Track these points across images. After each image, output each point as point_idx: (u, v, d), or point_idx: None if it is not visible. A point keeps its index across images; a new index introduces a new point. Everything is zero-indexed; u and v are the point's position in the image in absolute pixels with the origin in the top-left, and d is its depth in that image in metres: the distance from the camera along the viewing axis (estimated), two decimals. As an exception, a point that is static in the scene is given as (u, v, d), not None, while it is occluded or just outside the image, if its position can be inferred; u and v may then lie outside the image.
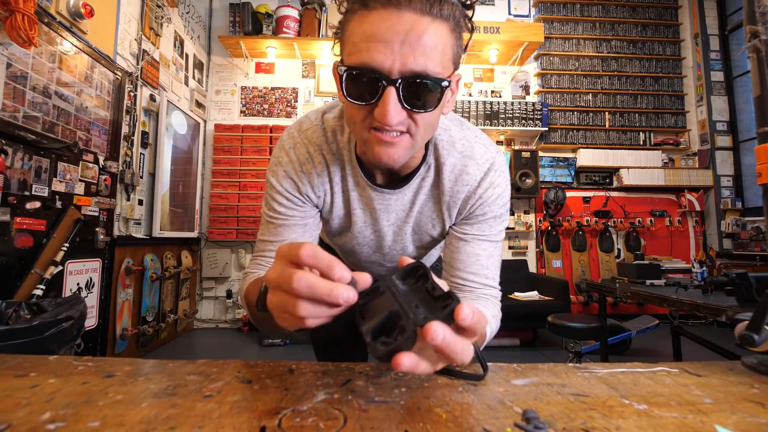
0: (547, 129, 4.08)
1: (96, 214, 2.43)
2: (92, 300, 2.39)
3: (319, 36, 3.93)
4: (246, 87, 4.14)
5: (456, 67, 0.55)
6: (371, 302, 0.38)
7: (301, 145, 0.69)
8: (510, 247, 4.17)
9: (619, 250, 4.19)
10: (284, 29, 3.84)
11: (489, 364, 0.47)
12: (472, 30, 0.55)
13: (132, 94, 2.82)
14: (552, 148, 4.27)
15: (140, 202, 2.95)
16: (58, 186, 2.12)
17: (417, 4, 0.47)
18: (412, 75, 0.48)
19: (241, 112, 4.11)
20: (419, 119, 0.53)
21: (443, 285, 0.38)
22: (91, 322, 2.36)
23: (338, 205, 0.74)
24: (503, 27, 3.89)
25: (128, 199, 2.80)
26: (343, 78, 0.51)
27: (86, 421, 0.32)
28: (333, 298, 0.34)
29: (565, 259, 4.14)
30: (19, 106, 1.92)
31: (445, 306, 0.33)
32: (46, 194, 2.03)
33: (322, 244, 1.00)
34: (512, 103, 4.06)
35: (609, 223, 4.15)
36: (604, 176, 4.23)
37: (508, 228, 3.81)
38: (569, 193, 4.15)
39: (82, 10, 2.21)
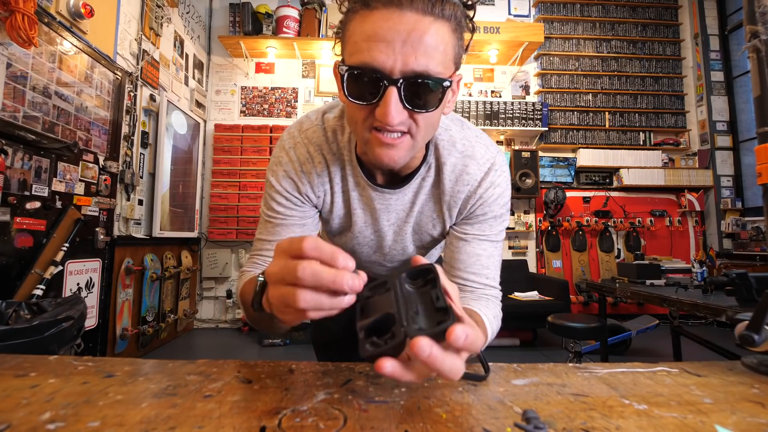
0: (547, 129, 4.08)
1: (96, 214, 2.43)
2: (92, 300, 2.39)
3: (319, 36, 3.93)
4: (246, 87, 4.14)
5: (457, 68, 0.55)
6: (374, 298, 0.38)
7: (302, 144, 0.69)
8: (510, 247, 4.17)
9: (619, 250, 4.19)
10: (284, 29, 3.84)
11: (489, 364, 0.47)
12: (473, 30, 0.55)
13: (132, 94, 2.82)
14: (552, 148, 4.27)
15: (140, 202, 2.96)
16: (58, 186, 2.12)
17: (419, 4, 0.47)
18: (413, 75, 0.48)
19: (241, 112, 4.11)
20: (420, 119, 0.53)
21: (453, 290, 0.38)
22: (91, 322, 2.36)
23: (338, 205, 0.74)
24: (503, 27, 3.89)
25: (128, 199, 2.80)
26: (345, 78, 0.51)
27: (86, 421, 0.32)
28: (338, 284, 0.34)
29: (565, 259, 4.14)
30: (19, 106, 1.92)
31: (441, 322, 0.33)
32: (46, 194, 2.03)
33: None
34: (512, 103, 4.07)
35: (609, 223, 4.16)
36: (604, 176, 4.23)
37: (508, 228, 3.81)
38: (569, 193, 4.15)
39: (82, 10, 2.21)
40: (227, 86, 4.14)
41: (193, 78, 3.82)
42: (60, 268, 2.06)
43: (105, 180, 2.51)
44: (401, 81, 0.48)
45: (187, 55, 3.69)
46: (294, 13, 3.88)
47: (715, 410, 0.37)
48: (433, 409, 0.37)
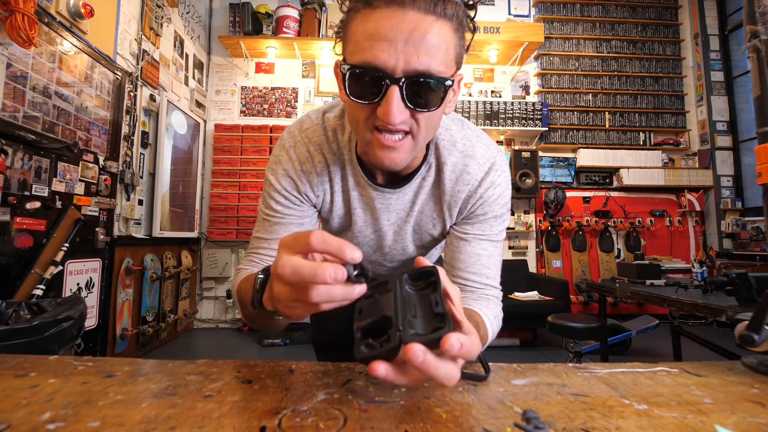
0: (547, 129, 4.08)
1: (96, 214, 2.43)
2: (92, 300, 2.39)
3: (319, 36, 3.93)
4: (246, 87, 4.14)
5: (458, 67, 0.55)
6: (374, 297, 0.38)
7: (302, 144, 0.69)
8: (510, 247, 4.17)
9: (619, 250, 4.19)
10: (284, 29, 3.84)
11: (489, 364, 0.47)
12: (474, 30, 0.55)
13: (132, 94, 2.82)
14: (552, 148, 4.27)
15: (140, 202, 2.95)
16: (58, 186, 2.12)
17: (421, 3, 0.47)
18: (415, 74, 0.48)
19: (241, 112, 4.11)
20: (422, 118, 0.52)
21: (455, 292, 0.38)
22: (91, 322, 2.36)
23: (338, 204, 0.74)
24: (503, 27, 3.89)
25: (128, 199, 2.80)
26: (346, 77, 0.50)
27: (86, 421, 0.32)
28: (341, 253, 0.35)
29: (565, 259, 4.14)
30: (19, 106, 1.92)
31: (437, 328, 0.33)
32: (46, 194, 2.03)
33: None
34: (512, 103, 4.06)
35: (609, 223, 4.15)
36: (604, 176, 4.23)
37: (508, 228, 3.79)
38: (569, 193, 4.15)
39: (82, 10, 2.21)
40: (227, 86, 4.14)
41: (193, 78, 3.82)
42: (60, 268, 2.06)
43: (105, 180, 2.51)
44: (403, 80, 0.48)
45: (187, 55, 3.69)
46: (294, 13, 3.88)
47: (715, 410, 0.37)
48: (433, 409, 0.37)
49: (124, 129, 2.75)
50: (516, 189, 3.91)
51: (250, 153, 3.89)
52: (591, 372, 0.48)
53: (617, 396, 0.40)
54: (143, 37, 2.95)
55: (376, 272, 0.89)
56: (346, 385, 0.42)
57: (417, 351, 0.30)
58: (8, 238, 1.84)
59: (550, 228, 4.13)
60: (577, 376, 0.47)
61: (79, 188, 2.28)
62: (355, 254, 0.35)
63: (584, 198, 4.23)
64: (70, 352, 1.66)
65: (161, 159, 3.12)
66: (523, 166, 3.97)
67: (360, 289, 0.35)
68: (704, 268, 2.36)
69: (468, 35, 0.55)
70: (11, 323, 1.52)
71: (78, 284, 2.27)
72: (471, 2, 0.53)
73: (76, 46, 2.28)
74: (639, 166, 4.15)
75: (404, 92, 0.49)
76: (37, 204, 1.98)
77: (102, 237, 2.43)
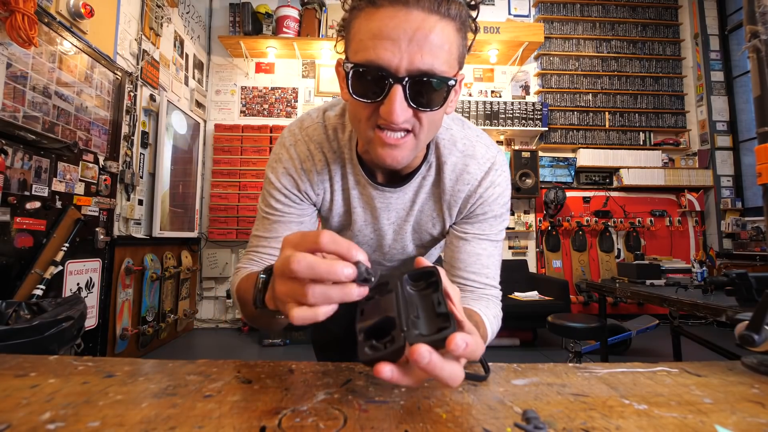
0: (547, 129, 4.08)
1: (96, 214, 2.43)
2: (92, 300, 2.39)
3: (319, 36, 3.93)
4: (246, 87, 4.14)
5: (461, 67, 0.55)
6: (375, 299, 0.38)
7: (302, 142, 0.69)
8: (510, 247, 4.17)
9: (619, 250, 4.19)
10: (284, 29, 3.84)
11: (489, 364, 0.47)
12: (476, 30, 0.55)
13: (132, 94, 2.82)
14: (552, 148, 4.27)
15: (140, 202, 2.95)
16: (58, 186, 2.12)
17: (425, 3, 0.47)
18: (419, 73, 0.48)
19: (241, 112, 4.11)
20: (424, 118, 0.53)
21: (455, 293, 0.37)
22: (91, 322, 2.36)
23: (338, 203, 0.74)
24: (503, 27, 3.89)
25: (128, 199, 2.80)
26: (349, 75, 0.50)
27: (86, 421, 0.32)
28: (350, 254, 0.35)
29: (565, 259, 4.14)
30: (19, 106, 1.92)
31: (441, 329, 0.33)
32: (46, 194, 2.03)
33: None
34: (512, 103, 4.06)
35: (609, 223, 4.15)
36: (604, 176, 4.23)
37: (508, 228, 3.80)
38: (569, 193, 4.15)
39: (82, 10, 2.21)
40: (227, 86, 4.14)
41: (193, 78, 3.82)
42: (60, 268, 2.06)
43: (105, 180, 2.51)
44: (407, 79, 0.48)
45: (187, 55, 3.69)
46: (294, 13, 3.88)
47: (715, 410, 0.37)
48: (433, 409, 0.37)
49: (124, 129, 2.75)
50: (516, 189, 3.91)
51: (250, 153, 3.89)
52: (591, 372, 0.48)
53: (617, 396, 0.40)
54: (143, 37, 2.95)
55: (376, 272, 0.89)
56: (346, 385, 0.42)
57: (423, 351, 0.30)
58: (8, 238, 1.84)
59: (550, 228, 4.13)
60: (577, 376, 0.47)
61: (79, 188, 2.28)
62: (360, 255, 0.35)
63: (584, 198, 4.23)
64: (70, 352, 1.66)
65: (161, 159, 3.12)
66: (523, 166, 3.97)
67: (359, 291, 0.35)
68: (704, 268, 2.36)
69: (470, 35, 0.55)
70: (11, 323, 1.52)
71: (78, 284, 2.27)
72: (473, 2, 0.53)
73: (76, 46, 2.28)
74: (639, 166, 4.15)
75: (407, 91, 0.49)
76: (37, 204, 1.98)
77: (102, 237, 2.43)
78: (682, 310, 1.81)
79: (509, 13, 4.37)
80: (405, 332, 0.32)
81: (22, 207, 1.90)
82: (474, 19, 0.54)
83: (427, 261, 0.40)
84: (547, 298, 3.33)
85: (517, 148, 4.17)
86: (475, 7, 0.54)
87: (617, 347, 2.98)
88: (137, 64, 2.90)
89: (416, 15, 0.47)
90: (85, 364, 0.47)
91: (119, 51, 2.70)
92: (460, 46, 0.52)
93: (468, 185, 0.69)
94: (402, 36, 0.47)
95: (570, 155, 4.23)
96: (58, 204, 2.12)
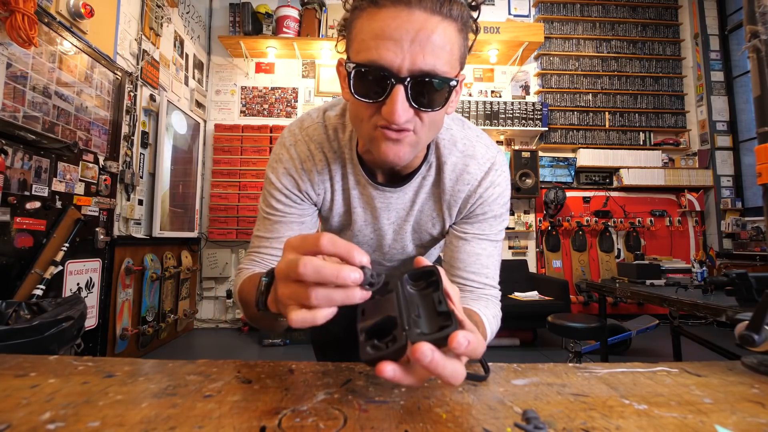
0: (547, 129, 4.08)
1: (96, 214, 2.43)
2: (92, 300, 2.39)
3: (319, 36, 3.93)
4: (246, 87, 4.14)
5: (462, 68, 0.55)
6: (375, 299, 0.38)
7: (302, 142, 0.69)
8: (510, 247, 4.17)
9: (619, 250, 4.19)
10: (284, 29, 3.84)
11: (489, 364, 0.47)
12: (477, 31, 0.55)
13: (132, 94, 2.82)
14: (552, 148, 4.27)
15: (140, 202, 2.96)
16: (58, 186, 2.12)
17: (427, 3, 0.47)
18: (420, 74, 0.48)
19: (241, 112, 4.11)
20: (426, 118, 0.53)
21: (454, 292, 0.38)
22: (91, 322, 2.36)
23: (338, 203, 0.74)
24: (503, 27, 3.89)
25: (128, 199, 2.80)
26: (351, 75, 0.50)
27: (86, 421, 0.32)
28: (350, 256, 0.35)
29: (565, 259, 4.14)
30: (19, 106, 1.92)
31: (443, 327, 0.33)
32: (46, 194, 2.03)
33: None
34: (512, 103, 4.07)
35: (609, 223, 4.15)
36: (604, 176, 4.23)
37: (508, 228, 3.81)
38: (569, 193, 4.15)
39: (82, 10, 2.21)
40: (227, 86, 4.14)
41: (193, 78, 3.82)
42: (60, 268, 2.06)
43: (105, 180, 2.51)
44: (408, 80, 0.48)
45: (187, 55, 3.69)
46: (294, 13, 3.88)
47: (715, 410, 0.37)
48: (433, 409, 0.37)
49: (124, 129, 2.75)
50: (516, 189, 3.91)
51: (250, 153, 3.89)
52: (591, 372, 0.48)
53: (617, 396, 0.40)
54: (143, 37, 2.95)
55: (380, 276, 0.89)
56: (346, 385, 0.42)
57: (425, 350, 0.30)
58: (8, 238, 1.84)
59: (550, 228, 4.13)
60: (577, 376, 0.47)
61: (79, 188, 2.28)
62: (363, 258, 0.35)
63: (584, 198, 4.23)
64: (70, 352, 1.66)
65: (161, 159, 3.12)
66: (523, 166, 3.97)
67: (362, 294, 0.35)
68: (704, 268, 2.36)
69: (471, 36, 0.55)
70: (11, 323, 1.52)
71: (78, 284, 2.27)
72: (475, 3, 0.53)
73: (76, 46, 2.28)
74: (639, 166, 4.15)
75: (409, 92, 0.49)
76: (37, 204, 1.98)
77: (102, 237, 2.43)
78: (682, 310, 1.81)
79: (509, 13, 4.37)
80: (407, 331, 0.32)
81: (22, 207, 1.90)
82: (475, 20, 0.54)
83: (426, 261, 0.40)
84: (547, 298, 3.33)
85: (517, 148, 4.17)
86: (477, 8, 0.54)
87: (617, 347, 2.98)
88: (137, 64, 2.90)
89: (418, 15, 0.47)
90: (85, 364, 0.47)
91: (119, 51, 2.70)
92: (462, 46, 0.52)
93: (468, 185, 0.69)
94: (404, 36, 0.47)
95: (570, 155, 4.23)
96: (58, 204, 2.12)
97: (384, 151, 0.54)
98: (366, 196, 0.72)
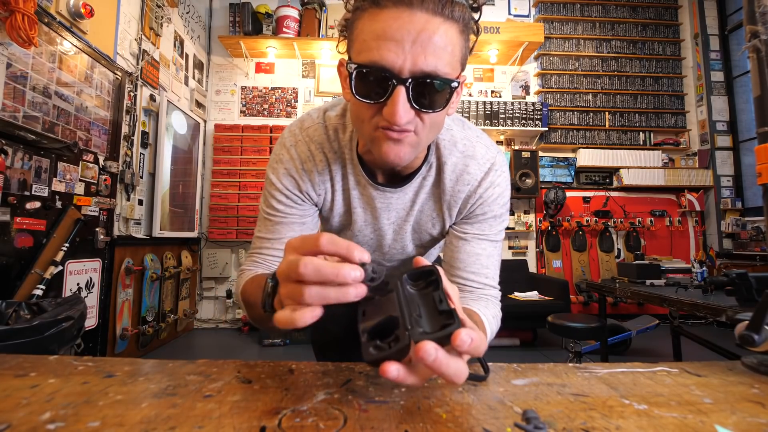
0: (547, 129, 4.08)
1: (96, 214, 2.43)
2: (92, 300, 2.39)
3: (319, 36, 3.93)
4: (246, 87, 4.14)
5: (463, 69, 0.55)
6: (376, 299, 0.38)
7: (303, 142, 0.69)
8: (510, 247, 4.17)
9: (619, 250, 4.19)
10: (284, 29, 3.84)
11: (489, 364, 0.47)
12: (477, 33, 0.55)
13: (132, 94, 2.82)
14: (552, 148, 4.27)
15: (140, 202, 2.96)
16: (58, 186, 2.12)
17: (429, 4, 0.47)
18: (422, 75, 0.48)
19: (241, 112, 4.11)
20: (427, 119, 0.53)
21: (454, 292, 0.38)
22: (91, 322, 2.36)
23: (338, 203, 0.74)
24: (503, 27, 3.89)
25: (128, 199, 2.80)
26: (352, 76, 0.50)
27: (86, 421, 0.32)
28: (350, 254, 0.35)
29: (565, 259, 4.14)
30: (19, 106, 1.92)
31: (445, 325, 0.33)
32: (46, 194, 2.03)
33: None
34: (512, 103, 4.06)
35: (609, 223, 4.15)
36: (604, 176, 4.23)
37: (508, 228, 3.81)
38: (569, 193, 4.15)
39: (82, 10, 2.21)
40: (227, 86, 4.14)
41: (193, 78, 3.82)
42: (60, 268, 2.06)
43: (105, 180, 2.51)
44: (410, 81, 0.48)
45: (187, 55, 3.69)
46: (294, 13, 3.88)
47: (715, 410, 0.37)
48: (433, 409, 0.37)
49: (124, 129, 2.75)
50: (516, 189, 3.91)
51: (250, 153, 3.89)
52: (591, 372, 0.48)
53: (617, 396, 0.40)
54: (143, 37, 2.95)
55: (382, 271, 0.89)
56: (346, 385, 0.42)
57: (429, 349, 0.30)
58: (8, 238, 1.84)
59: (550, 228, 4.13)
60: (577, 376, 0.47)
61: (79, 188, 2.28)
62: (363, 256, 0.35)
63: (584, 198, 4.23)
64: (70, 352, 1.66)
65: (161, 159, 3.12)
66: (523, 166, 3.97)
67: (356, 291, 0.35)
68: (704, 268, 2.36)
69: (472, 37, 0.55)
70: (11, 323, 1.52)
71: (78, 284, 2.27)
72: (476, 5, 0.53)
73: (76, 46, 2.28)
74: (639, 166, 4.15)
75: (410, 93, 0.49)
76: (37, 204, 1.98)
77: (102, 237, 2.43)
78: (682, 310, 1.81)
79: (509, 13, 4.37)
80: (409, 330, 0.32)
81: (22, 207, 1.90)
82: (476, 22, 0.55)
83: (425, 261, 0.40)
84: (547, 298, 3.33)
85: (517, 148, 4.17)
86: (478, 10, 0.54)
87: (617, 347, 2.98)
88: (137, 64, 2.90)
89: (420, 16, 0.47)
90: (85, 364, 0.47)
91: (119, 51, 2.70)
92: (463, 48, 0.52)
93: (468, 185, 0.69)
94: (406, 37, 0.47)
95: (570, 155, 4.23)
96: (58, 204, 2.12)
97: (385, 152, 0.54)
98: (366, 197, 0.72)
